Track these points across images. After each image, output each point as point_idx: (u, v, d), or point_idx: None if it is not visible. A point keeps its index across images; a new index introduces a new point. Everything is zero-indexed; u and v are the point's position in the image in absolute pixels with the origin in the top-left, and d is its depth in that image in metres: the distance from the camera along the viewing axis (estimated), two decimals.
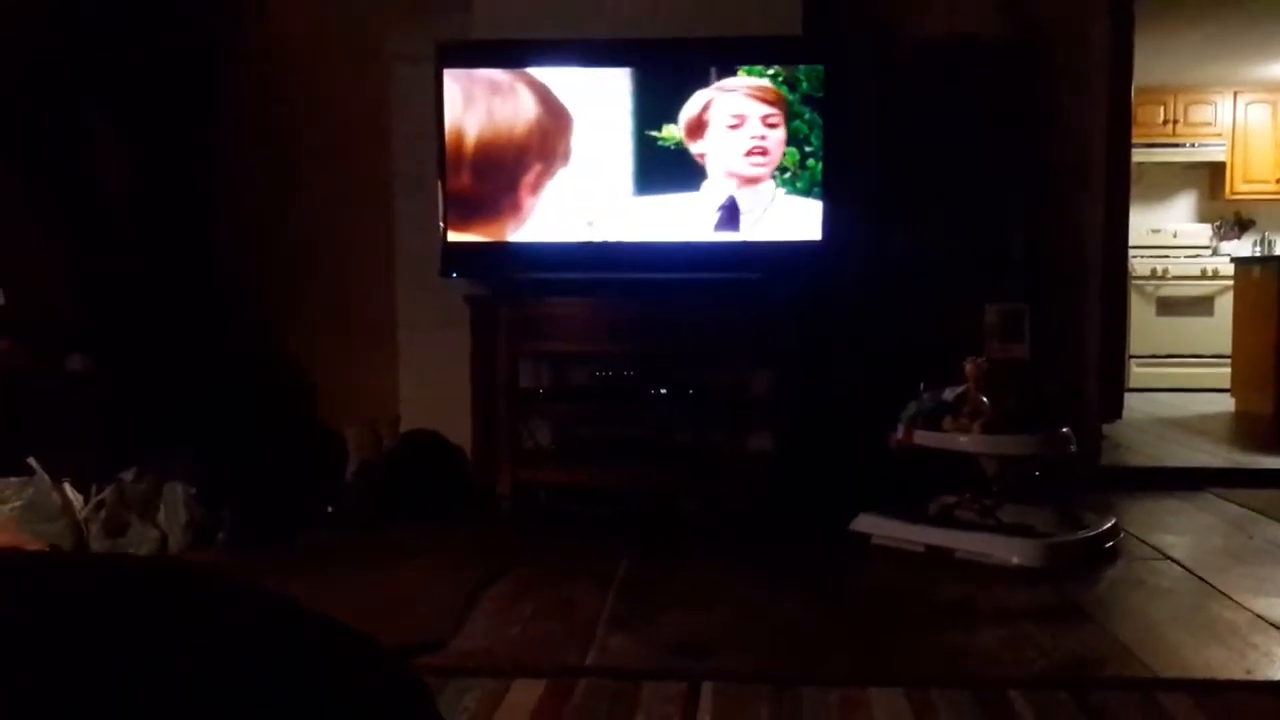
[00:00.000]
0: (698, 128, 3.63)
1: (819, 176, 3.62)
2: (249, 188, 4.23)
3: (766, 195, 3.64)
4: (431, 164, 3.74)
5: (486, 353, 3.80)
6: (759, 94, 3.62)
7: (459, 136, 3.70)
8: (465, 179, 3.71)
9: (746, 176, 3.64)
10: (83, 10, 3.67)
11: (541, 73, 3.69)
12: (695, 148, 3.64)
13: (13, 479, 3.11)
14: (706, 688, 2.08)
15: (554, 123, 3.69)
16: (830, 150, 3.63)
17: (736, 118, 3.62)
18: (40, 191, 3.59)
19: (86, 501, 3.16)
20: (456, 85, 3.69)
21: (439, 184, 3.72)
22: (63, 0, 3.63)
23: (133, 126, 3.85)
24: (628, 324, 3.69)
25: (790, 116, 3.62)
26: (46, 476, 3.10)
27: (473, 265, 3.78)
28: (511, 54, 3.71)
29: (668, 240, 3.68)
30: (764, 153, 3.63)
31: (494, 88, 3.69)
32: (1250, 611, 2.57)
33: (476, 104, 3.69)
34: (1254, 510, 3.71)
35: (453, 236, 3.73)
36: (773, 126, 3.63)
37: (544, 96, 3.69)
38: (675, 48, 3.69)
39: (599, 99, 3.67)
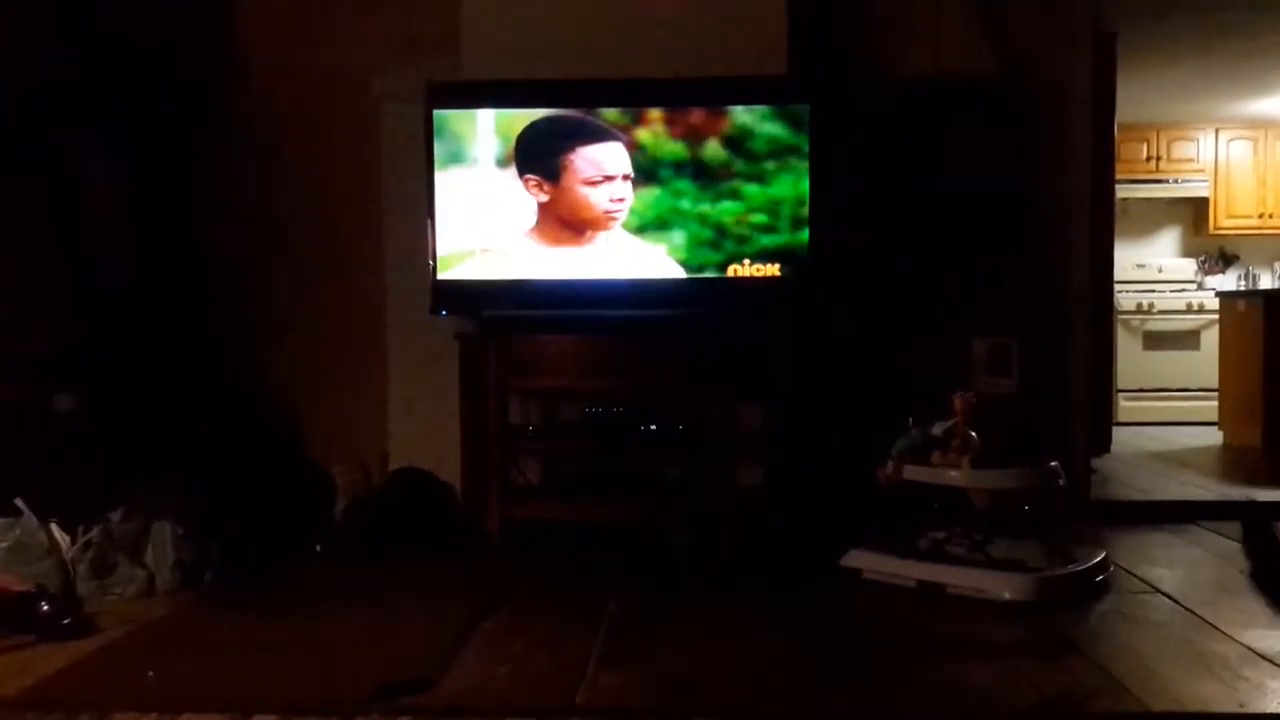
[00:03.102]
0: None
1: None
2: (239, 224, 4.25)
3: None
4: (421, 202, 3.76)
5: (476, 390, 3.80)
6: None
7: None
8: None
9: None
10: (75, 44, 3.70)
11: (532, 113, 3.71)
12: None
13: None
14: None
15: (540, 162, 3.71)
16: (817, 186, 3.67)
17: None
18: (33, 225, 3.59)
19: (74, 542, 3.14)
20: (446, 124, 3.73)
21: (429, 222, 3.74)
22: (54, 34, 3.65)
23: (124, 163, 3.86)
24: (617, 360, 3.70)
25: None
26: (33, 517, 3.09)
27: (462, 303, 3.79)
28: (501, 94, 3.75)
29: (656, 277, 3.70)
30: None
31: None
32: (1241, 644, 2.57)
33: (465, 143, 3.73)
34: None
35: (442, 274, 3.75)
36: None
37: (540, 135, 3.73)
38: (665, 87, 3.72)
39: (589, 138, 3.70)
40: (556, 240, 3.72)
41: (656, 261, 3.70)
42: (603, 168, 3.69)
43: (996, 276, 4.10)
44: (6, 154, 3.53)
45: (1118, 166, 5.85)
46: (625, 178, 3.69)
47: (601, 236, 3.71)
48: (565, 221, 3.72)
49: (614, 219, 3.70)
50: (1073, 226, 4.22)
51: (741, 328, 3.73)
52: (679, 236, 3.70)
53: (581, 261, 3.72)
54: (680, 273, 3.71)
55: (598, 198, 3.70)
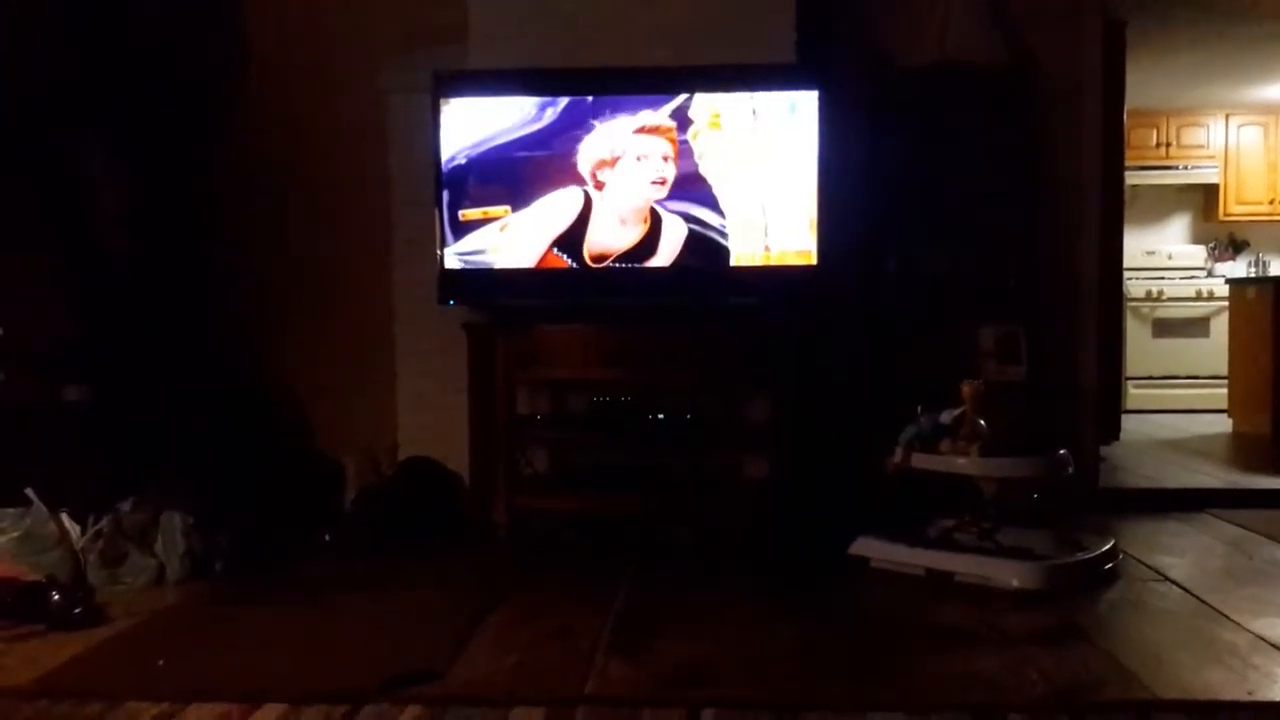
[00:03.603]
0: None
1: None
2: (246, 217, 4.25)
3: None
4: (428, 193, 3.76)
5: (484, 380, 3.81)
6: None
7: (456, 165, 3.73)
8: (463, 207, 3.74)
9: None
10: (75, 42, 3.69)
11: (539, 102, 3.71)
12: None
13: (10, 509, 3.10)
14: (707, 715, 2.07)
15: (551, 151, 3.71)
16: (824, 175, 3.66)
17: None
18: (38, 222, 3.60)
19: (84, 531, 3.15)
20: (453, 115, 3.73)
21: (436, 212, 3.74)
22: (54, 33, 3.65)
23: (131, 158, 3.86)
24: (625, 351, 3.69)
25: None
26: (44, 507, 3.10)
27: (470, 293, 3.79)
28: (508, 84, 3.74)
29: (663, 265, 3.70)
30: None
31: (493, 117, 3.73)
32: (1250, 632, 2.56)
33: (473, 133, 3.73)
34: (1253, 531, 3.70)
35: (450, 264, 3.75)
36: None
37: (543, 125, 3.72)
38: (672, 75, 3.71)
39: (595, 126, 3.69)
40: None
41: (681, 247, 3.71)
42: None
43: (1005, 264, 4.09)
44: (10, 153, 3.53)
45: (1127, 153, 5.83)
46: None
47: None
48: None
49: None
50: (1082, 213, 4.20)
51: (749, 317, 3.72)
52: (693, 224, 3.70)
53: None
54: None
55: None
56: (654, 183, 3.68)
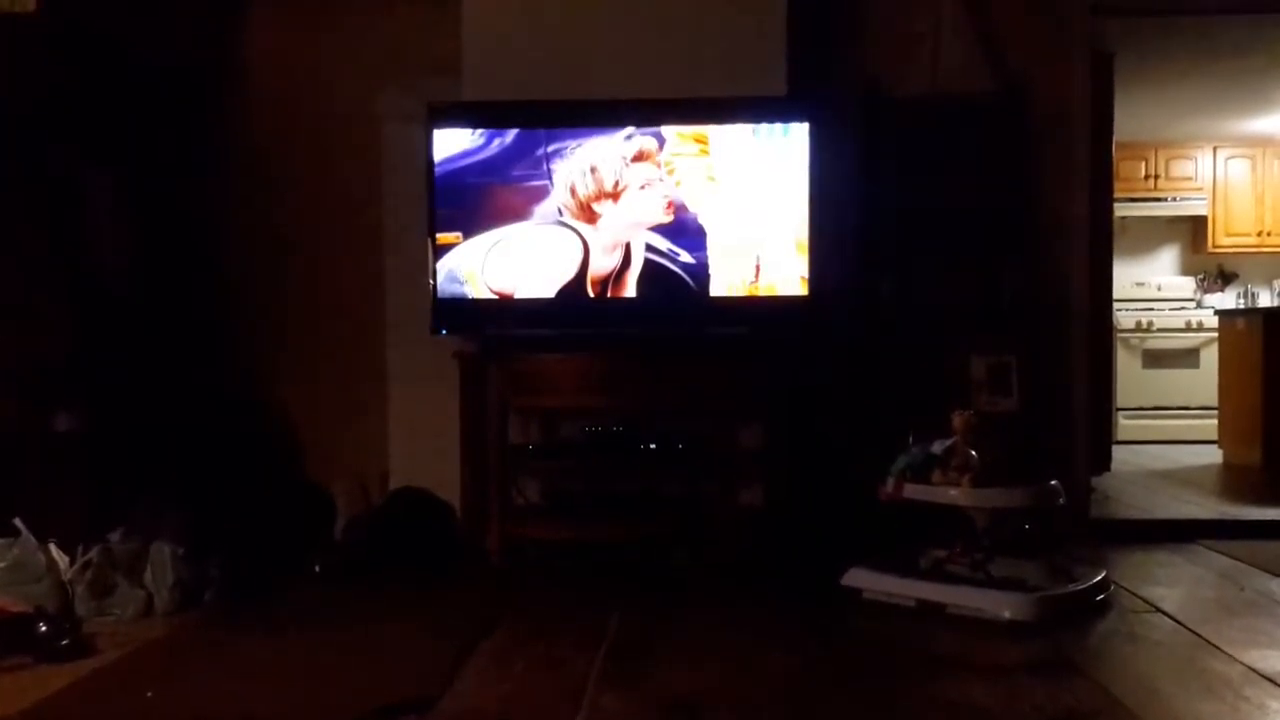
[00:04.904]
0: None
1: None
2: (241, 244, 4.26)
3: None
4: (422, 220, 3.77)
5: (476, 408, 3.80)
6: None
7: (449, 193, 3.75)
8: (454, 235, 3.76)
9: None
10: (80, 63, 3.71)
11: (529, 133, 3.73)
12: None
13: None
14: None
15: (542, 180, 3.73)
16: (815, 206, 3.68)
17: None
18: (31, 247, 3.59)
19: (72, 562, 3.13)
20: (446, 144, 3.75)
21: (429, 241, 3.75)
22: (59, 54, 3.67)
23: (127, 182, 3.87)
24: (617, 379, 3.69)
25: None
26: (32, 537, 3.08)
27: (463, 321, 3.79)
28: (502, 115, 3.76)
29: (656, 295, 3.70)
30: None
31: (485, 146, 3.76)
32: (1242, 664, 2.56)
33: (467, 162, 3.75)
34: (1244, 562, 3.70)
35: (443, 293, 3.75)
36: None
37: (535, 155, 3.74)
38: (664, 108, 3.73)
39: (585, 157, 3.71)
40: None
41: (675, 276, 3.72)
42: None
43: (996, 295, 4.11)
44: (7, 172, 3.53)
45: (1116, 185, 5.87)
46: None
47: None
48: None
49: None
50: (1072, 245, 4.23)
51: (742, 346, 3.73)
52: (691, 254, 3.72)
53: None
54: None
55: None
56: (657, 211, 3.70)
